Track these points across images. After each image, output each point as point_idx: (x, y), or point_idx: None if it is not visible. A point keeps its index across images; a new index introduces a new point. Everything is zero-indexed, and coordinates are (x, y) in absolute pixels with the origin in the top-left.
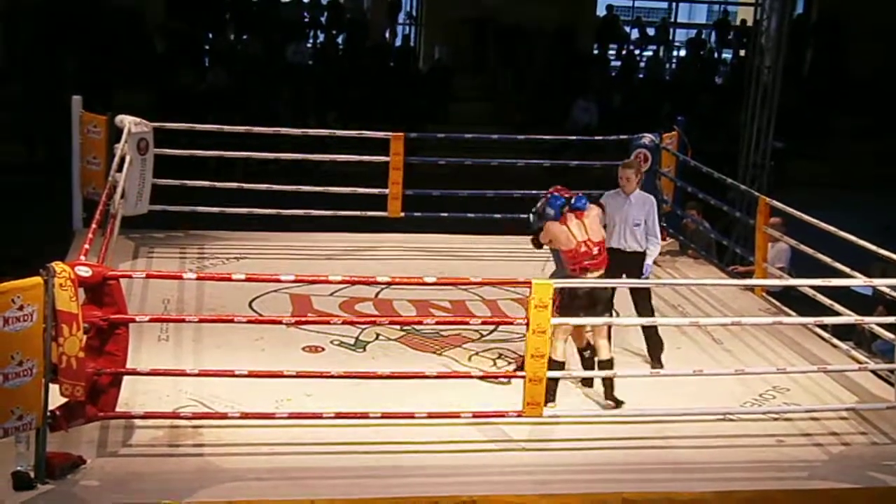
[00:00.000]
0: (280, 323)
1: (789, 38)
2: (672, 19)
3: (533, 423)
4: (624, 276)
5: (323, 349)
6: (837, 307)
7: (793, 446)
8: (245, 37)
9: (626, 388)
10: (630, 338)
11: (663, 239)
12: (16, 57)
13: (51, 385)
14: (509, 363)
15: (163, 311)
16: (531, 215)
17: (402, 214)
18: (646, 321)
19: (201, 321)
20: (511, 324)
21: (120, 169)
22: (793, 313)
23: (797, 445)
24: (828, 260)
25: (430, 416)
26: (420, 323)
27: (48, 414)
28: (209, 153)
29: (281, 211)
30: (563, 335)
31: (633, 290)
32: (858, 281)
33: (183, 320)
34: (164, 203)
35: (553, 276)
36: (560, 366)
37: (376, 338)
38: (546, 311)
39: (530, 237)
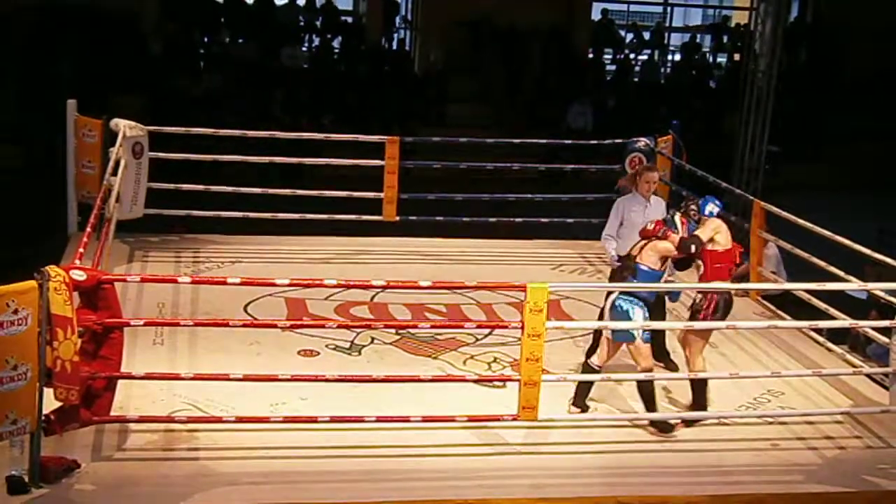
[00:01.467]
0: (275, 327)
1: (784, 42)
2: (667, 23)
3: (528, 426)
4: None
5: (318, 353)
6: (832, 311)
7: (788, 450)
8: (240, 40)
9: (621, 392)
10: None
11: None
12: (11, 59)
13: (45, 389)
14: (504, 367)
15: (158, 315)
16: (691, 207)
17: (398, 218)
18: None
19: (196, 325)
20: (506, 328)
21: (115, 173)
22: (787, 317)
23: (792, 449)
24: (822, 264)
25: (425, 419)
26: (415, 327)
27: (42, 418)
28: (204, 157)
29: (276, 214)
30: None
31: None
32: (853, 285)
33: (178, 324)
34: (159, 207)
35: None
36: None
37: (371, 341)
38: (541, 315)
39: (680, 237)
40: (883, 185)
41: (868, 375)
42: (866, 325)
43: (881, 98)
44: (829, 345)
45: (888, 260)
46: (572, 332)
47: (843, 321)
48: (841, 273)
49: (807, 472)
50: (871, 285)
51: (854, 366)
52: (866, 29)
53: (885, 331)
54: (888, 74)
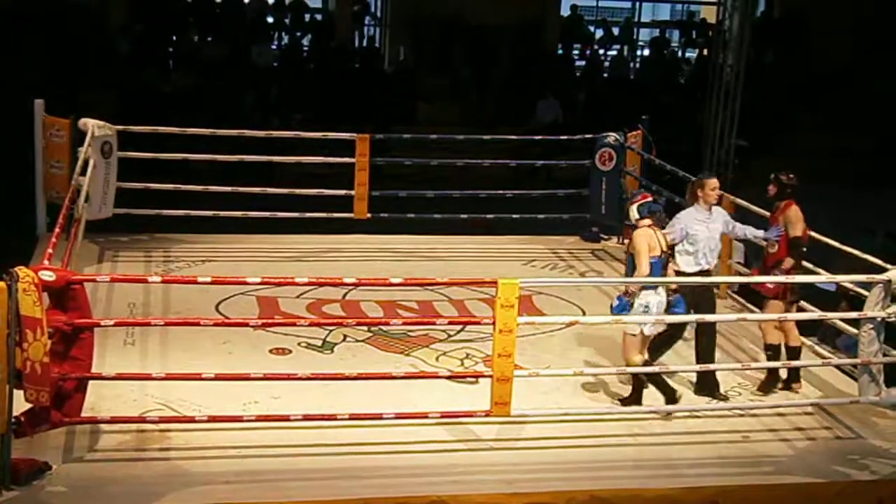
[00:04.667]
0: (247, 325)
1: (751, 37)
2: (636, 18)
3: (501, 422)
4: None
5: (290, 351)
6: (802, 303)
7: (758, 442)
8: (209, 38)
9: (594, 386)
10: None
11: (628, 237)
12: None
13: (15, 391)
14: (476, 363)
15: (128, 315)
16: None
17: (369, 215)
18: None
19: (167, 325)
20: (478, 324)
21: (84, 173)
22: (757, 310)
23: (763, 441)
24: None
25: (398, 416)
26: (387, 324)
27: (13, 420)
28: (174, 156)
29: (247, 213)
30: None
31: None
32: (822, 277)
33: (149, 324)
34: (128, 206)
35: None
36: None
37: (344, 339)
38: (512, 311)
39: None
40: (849, 179)
41: (837, 367)
42: (835, 317)
43: (849, 91)
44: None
45: (856, 252)
46: (544, 327)
47: (813, 313)
48: (810, 266)
49: (777, 464)
50: (839, 277)
51: (823, 357)
52: (833, 22)
53: (854, 322)
54: (853, 68)
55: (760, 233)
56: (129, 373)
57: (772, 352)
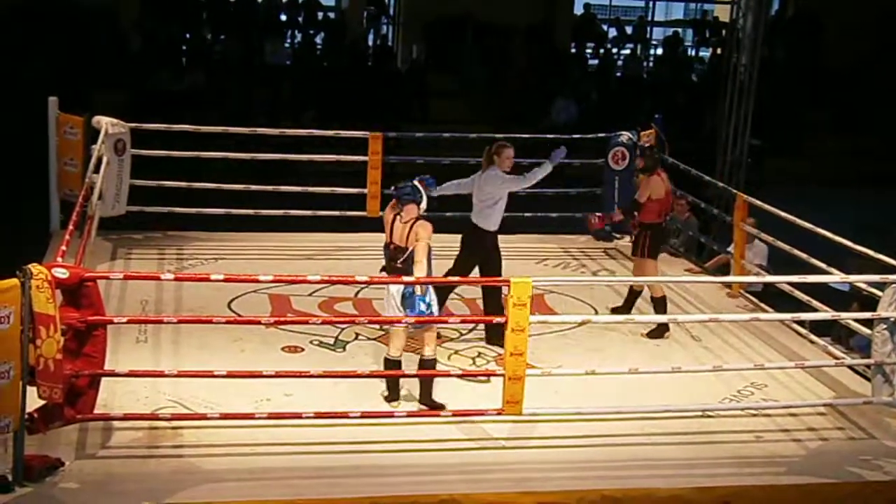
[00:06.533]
0: (259, 323)
1: (765, 36)
2: (649, 17)
3: (513, 420)
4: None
5: (302, 349)
6: (815, 303)
7: (771, 442)
8: (222, 36)
9: (606, 385)
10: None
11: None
12: None
13: (28, 387)
14: (488, 361)
15: (141, 313)
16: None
17: (381, 214)
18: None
19: (180, 322)
20: (490, 322)
21: (97, 170)
22: (770, 310)
23: (775, 441)
24: (805, 256)
25: (410, 415)
26: (399, 322)
27: (26, 416)
28: (186, 154)
29: (259, 211)
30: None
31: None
32: (835, 277)
33: (161, 321)
34: (141, 204)
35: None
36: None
37: (356, 337)
38: (525, 310)
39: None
40: (862, 178)
41: (850, 367)
42: (848, 317)
43: (862, 89)
44: (812, 337)
45: (869, 252)
46: (556, 326)
47: (826, 313)
48: (823, 265)
49: (790, 464)
50: (853, 277)
51: (836, 358)
52: (846, 20)
53: (867, 322)
54: (867, 66)
55: (546, 162)
56: (141, 370)
57: (657, 304)
